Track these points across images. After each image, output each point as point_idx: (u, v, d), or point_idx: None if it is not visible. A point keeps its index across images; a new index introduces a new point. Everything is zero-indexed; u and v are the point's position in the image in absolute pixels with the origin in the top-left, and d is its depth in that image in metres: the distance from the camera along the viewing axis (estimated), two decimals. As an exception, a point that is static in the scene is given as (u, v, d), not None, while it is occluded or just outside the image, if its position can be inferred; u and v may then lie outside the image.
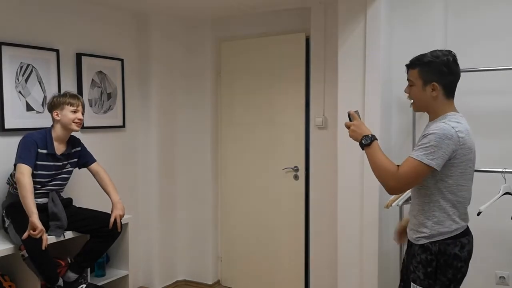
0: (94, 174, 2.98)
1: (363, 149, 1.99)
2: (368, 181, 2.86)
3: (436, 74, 1.90)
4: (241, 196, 3.95)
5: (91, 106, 3.42)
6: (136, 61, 3.81)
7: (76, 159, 2.90)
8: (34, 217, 2.47)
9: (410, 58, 2.37)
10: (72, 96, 2.79)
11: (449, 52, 1.94)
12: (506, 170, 2.52)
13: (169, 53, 3.90)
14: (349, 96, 2.96)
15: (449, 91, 1.93)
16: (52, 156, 2.72)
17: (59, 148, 2.77)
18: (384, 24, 2.85)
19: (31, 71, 2.99)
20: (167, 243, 3.97)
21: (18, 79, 2.92)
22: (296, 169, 3.65)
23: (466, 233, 1.96)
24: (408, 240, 2.06)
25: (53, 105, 2.76)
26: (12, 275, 2.69)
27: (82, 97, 3.31)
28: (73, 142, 2.88)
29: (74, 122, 2.74)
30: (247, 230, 3.92)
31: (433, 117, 1.95)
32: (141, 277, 3.87)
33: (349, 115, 2.10)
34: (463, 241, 1.92)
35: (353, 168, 2.96)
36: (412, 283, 1.94)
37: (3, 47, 2.82)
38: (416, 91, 1.96)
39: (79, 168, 2.97)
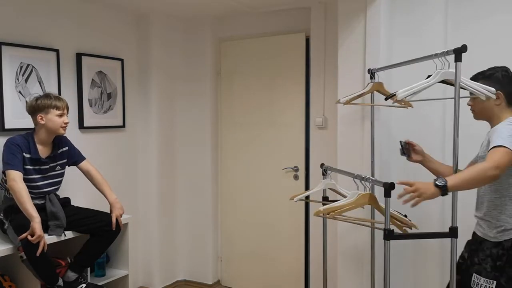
0: (85, 173, 2.95)
1: (446, 193, 1.88)
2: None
3: (498, 84, 2.03)
4: (241, 196, 3.95)
5: (91, 106, 3.42)
6: (136, 61, 3.81)
7: (65, 160, 2.86)
8: (36, 221, 2.44)
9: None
10: (57, 98, 2.69)
11: (506, 67, 2.09)
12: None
13: (169, 53, 3.91)
14: (349, 96, 2.96)
15: (511, 99, 2.06)
16: (36, 160, 2.66)
17: (44, 151, 2.71)
18: (384, 24, 2.85)
19: (31, 71, 2.99)
20: (167, 243, 3.98)
21: (18, 79, 2.92)
22: (296, 169, 3.65)
23: None
24: (476, 235, 2.14)
25: (36, 108, 2.65)
26: (12, 275, 2.69)
27: (82, 97, 3.33)
28: (58, 142, 2.80)
29: (61, 127, 2.68)
30: (247, 230, 3.92)
31: (496, 122, 2.05)
32: (141, 277, 3.88)
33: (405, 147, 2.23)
34: None
35: (353, 168, 2.95)
36: (475, 274, 2.03)
37: (3, 47, 2.82)
38: (478, 101, 2.07)
39: (68, 166, 2.93)
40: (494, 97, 2.02)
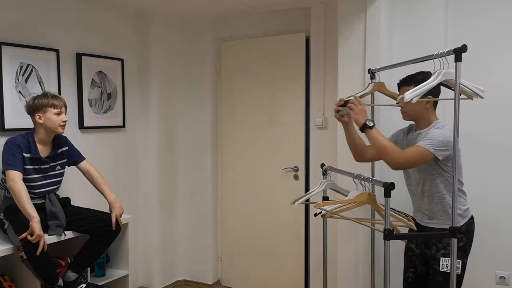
0: (84, 173, 2.95)
1: (363, 131, 2.23)
2: (368, 181, 2.86)
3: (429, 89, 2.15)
4: (241, 196, 3.95)
5: (91, 106, 3.42)
6: (136, 61, 3.81)
7: (65, 159, 2.86)
8: (35, 221, 2.45)
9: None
10: (54, 97, 2.69)
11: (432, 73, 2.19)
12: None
13: (169, 53, 3.90)
14: (349, 95, 2.96)
15: (436, 103, 2.29)
16: (37, 160, 2.66)
17: (44, 151, 2.72)
18: (384, 24, 2.85)
19: (31, 71, 2.99)
20: (167, 243, 3.97)
21: (18, 79, 2.92)
22: (296, 169, 3.65)
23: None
24: (424, 227, 2.34)
25: (34, 108, 2.65)
26: (12, 275, 2.69)
27: (82, 97, 3.33)
28: (58, 142, 2.81)
29: (59, 126, 2.68)
30: (247, 230, 3.92)
31: (425, 125, 2.27)
32: (141, 277, 3.88)
33: (346, 103, 2.40)
34: (473, 220, 2.32)
35: (353, 168, 2.94)
36: (443, 258, 2.23)
37: (3, 47, 2.82)
38: (412, 104, 2.15)
39: (68, 166, 2.94)
40: (483, 96, 2.16)
